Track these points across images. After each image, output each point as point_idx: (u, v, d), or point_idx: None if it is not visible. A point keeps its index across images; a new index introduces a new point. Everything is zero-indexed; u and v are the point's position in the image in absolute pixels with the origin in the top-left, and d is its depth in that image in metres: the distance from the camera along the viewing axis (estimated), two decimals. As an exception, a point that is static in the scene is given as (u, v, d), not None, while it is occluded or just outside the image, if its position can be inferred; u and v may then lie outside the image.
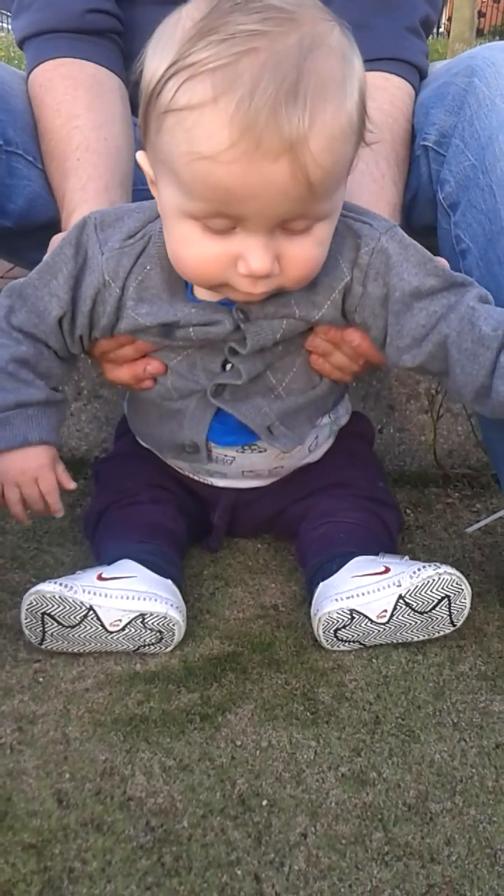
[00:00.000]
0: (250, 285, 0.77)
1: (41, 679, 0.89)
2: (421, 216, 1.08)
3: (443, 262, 0.89)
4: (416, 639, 0.95)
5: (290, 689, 0.89)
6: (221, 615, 1.01)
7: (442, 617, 0.92)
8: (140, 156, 0.80)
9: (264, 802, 0.76)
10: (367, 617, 0.91)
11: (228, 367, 0.91)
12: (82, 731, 0.83)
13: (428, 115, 1.03)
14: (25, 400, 0.90)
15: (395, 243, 0.85)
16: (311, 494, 1.08)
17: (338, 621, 0.91)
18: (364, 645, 0.94)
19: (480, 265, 0.97)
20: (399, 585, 0.90)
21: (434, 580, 0.90)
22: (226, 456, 1.00)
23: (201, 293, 0.86)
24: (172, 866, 0.70)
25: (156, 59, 0.71)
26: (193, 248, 0.76)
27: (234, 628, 0.98)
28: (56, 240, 0.93)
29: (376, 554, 0.97)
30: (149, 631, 0.91)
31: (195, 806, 0.76)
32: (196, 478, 1.08)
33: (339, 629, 0.92)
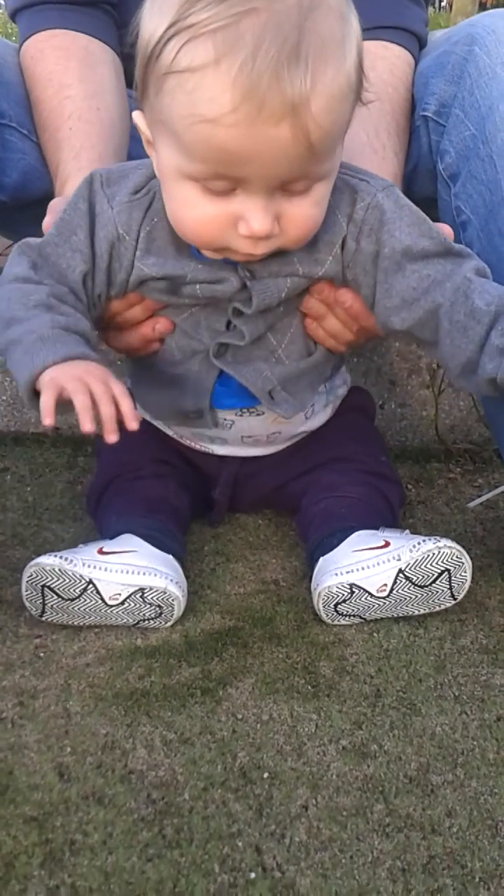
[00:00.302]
0: (251, 246, 0.77)
1: (42, 654, 0.89)
2: (421, 187, 1.07)
3: (446, 228, 0.88)
4: (416, 612, 0.94)
5: (290, 662, 0.89)
6: (222, 590, 1.01)
7: (442, 590, 0.92)
8: (137, 116, 0.79)
9: (265, 775, 0.76)
10: (366, 591, 0.90)
11: (232, 327, 0.91)
12: (83, 706, 0.83)
13: (427, 85, 1.02)
14: (73, 325, 0.81)
15: (391, 201, 0.84)
16: (312, 469, 1.07)
17: (338, 595, 0.91)
18: (364, 619, 0.94)
19: (481, 236, 0.96)
20: (399, 559, 0.90)
21: (434, 554, 0.89)
22: (225, 419, 1.00)
23: (205, 251, 0.86)
24: (173, 838, 0.70)
25: (154, 20, 0.70)
26: (193, 210, 0.76)
27: (235, 603, 0.98)
28: (56, 203, 0.92)
29: (375, 527, 0.97)
30: (148, 605, 0.91)
31: (196, 779, 0.76)
32: (197, 446, 1.07)
33: (339, 603, 0.91)
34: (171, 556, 0.95)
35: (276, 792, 0.75)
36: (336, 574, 0.91)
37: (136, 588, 0.90)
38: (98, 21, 1.08)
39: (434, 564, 0.90)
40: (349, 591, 0.90)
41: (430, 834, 0.71)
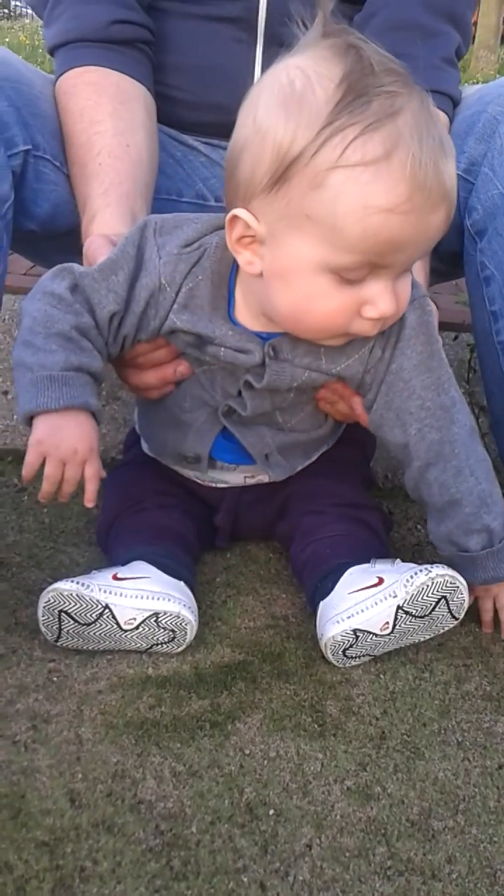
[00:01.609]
0: (371, 327, 0.82)
1: (55, 678, 0.91)
2: (448, 243, 1.10)
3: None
4: (422, 638, 0.96)
5: (298, 700, 0.91)
6: (233, 623, 1.03)
7: (443, 615, 0.94)
8: (243, 213, 0.80)
9: (271, 812, 0.78)
10: (370, 633, 0.92)
11: (241, 395, 0.95)
12: (95, 733, 0.85)
13: (458, 143, 1.05)
14: (86, 365, 0.87)
15: (415, 316, 0.90)
16: (293, 505, 1.10)
17: (344, 643, 0.93)
18: (374, 656, 0.96)
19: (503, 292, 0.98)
20: (395, 596, 0.91)
21: (428, 585, 0.91)
22: (226, 465, 1.05)
23: (242, 317, 0.89)
24: (181, 870, 0.72)
25: (292, 122, 0.74)
26: (327, 302, 0.80)
27: (245, 637, 1.00)
28: (93, 247, 0.93)
29: (365, 560, 0.99)
30: (162, 630, 0.93)
31: (204, 812, 0.77)
32: (201, 482, 1.10)
33: (347, 649, 0.93)
34: (181, 583, 0.97)
35: (281, 829, 0.77)
36: (338, 622, 0.92)
37: (151, 613, 0.92)
38: (132, 60, 1.10)
39: (430, 595, 0.92)
40: (353, 636, 0.92)
41: (430, 879, 0.73)
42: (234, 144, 0.79)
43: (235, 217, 0.80)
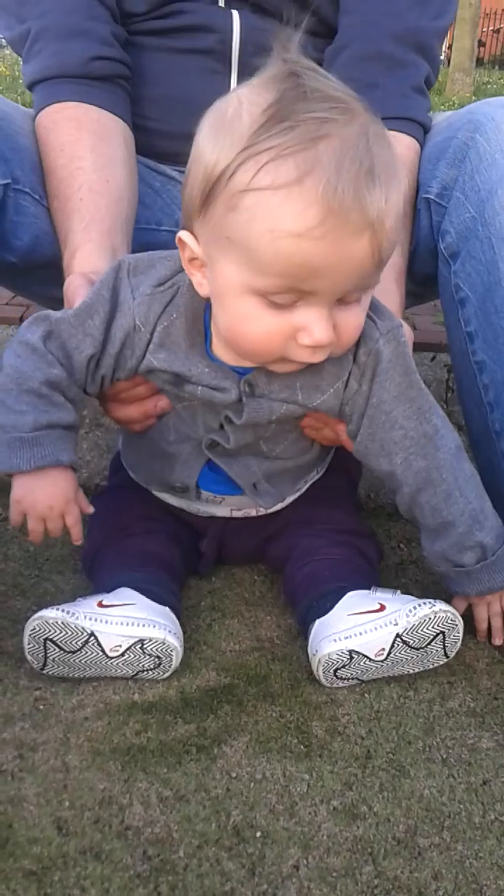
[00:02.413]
0: (310, 355, 0.81)
1: (41, 707, 0.92)
2: (422, 266, 1.12)
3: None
4: (410, 671, 0.97)
5: (284, 722, 0.92)
6: (218, 647, 1.03)
7: (436, 651, 0.96)
8: (185, 235, 0.82)
9: (258, 834, 0.79)
10: (365, 656, 0.93)
11: (223, 428, 0.96)
12: (82, 760, 0.85)
13: (430, 169, 1.07)
14: (56, 421, 0.90)
15: (391, 349, 0.90)
16: (289, 530, 1.11)
17: (337, 662, 0.94)
18: (362, 680, 0.97)
19: (479, 314, 1.00)
20: (396, 624, 0.93)
21: (430, 618, 0.93)
22: (214, 497, 1.06)
23: (219, 351, 0.90)
24: (169, 895, 0.72)
25: (219, 144, 0.75)
26: (256, 324, 0.80)
27: (231, 660, 1.01)
28: (72, 287, 0.94)
29: (362, 586, 1.00)
30: (147, 656, 0.94)
31: (191, 836, 0.78)
32: (187, 509, 1.11)
33: (339, 669, 0.94)
34: (167, 608, 0.98)
35: (268, 851, 0.77)
36: (335, 640, 0.93)
37: (136, 639, 0.93)
38: (112, 95, 1.12)
39: (430, 628, 0.93)
40: (349, 657, 0.93)
41: (417, 897, 0.74)
42: (186, 169, 0.81)
43: (181, 239, 0.83)
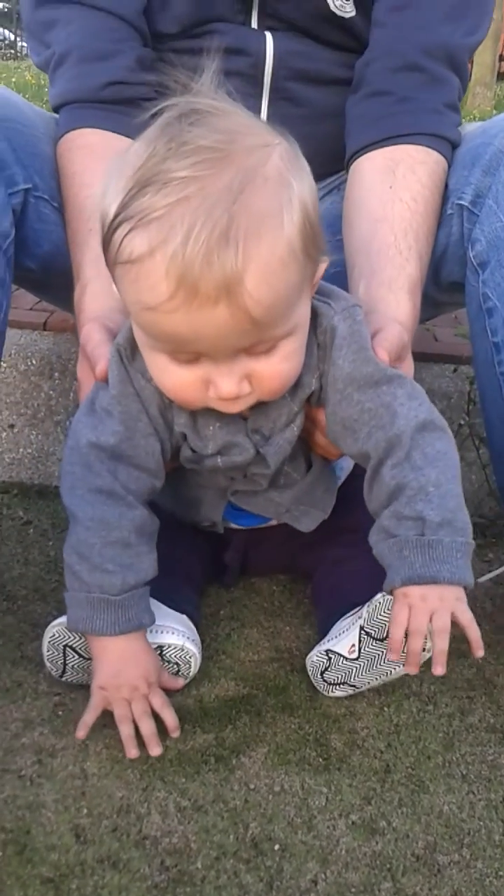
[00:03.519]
0: (226, 406, 0.80)
1: (61, 713, 0.92)
2: (449, 273, 1.11)
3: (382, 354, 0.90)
4: (396, 671, 0.93)
5: (303, 734, 0.91)
6: (237, 656, 1.03)
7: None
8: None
9: (276, 847, 0.78)
10: (341, 655, 0.93)
11: (250, 475, 0.95)
12: (100, 767, 0.85)
13: (464, 175, 1.07)
14: (143, 579, 0.89)
15: (346, 325, 0.86)
16: (321, 540, 1.10)
17: (319, 664, 0.94)
18: (356, 687, 0.95)
19: (507, 324, 1.00)
20: (360, 617, 0.92)
21: (380, 603, 0.91)
22: (243, 528, 1.07)
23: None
24: (186, 907, 0.72)
25: (108, 195, 0.74)
26: (168, 377, 0.80)
27: (250, 670, 1.00)
28: (91, 343, 0.92)
29: None
30: (166, 663, 0.94)
31: (209, 847, 0.77)
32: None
33: (324, 672, 0.94)
34: (184, 616, 0.98)
35: (286, 865, 0.76)
36: (320, 645, 0.95)
37: (156, 646, 0.93)
38: (130, 119, 1.10)
39: (383, 614, 0.91)
40: (327, 657, 0.94)
41: (436, 915, 0.73)
42: None
43: None
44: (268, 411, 0.88)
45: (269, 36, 1.13)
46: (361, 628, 0.92)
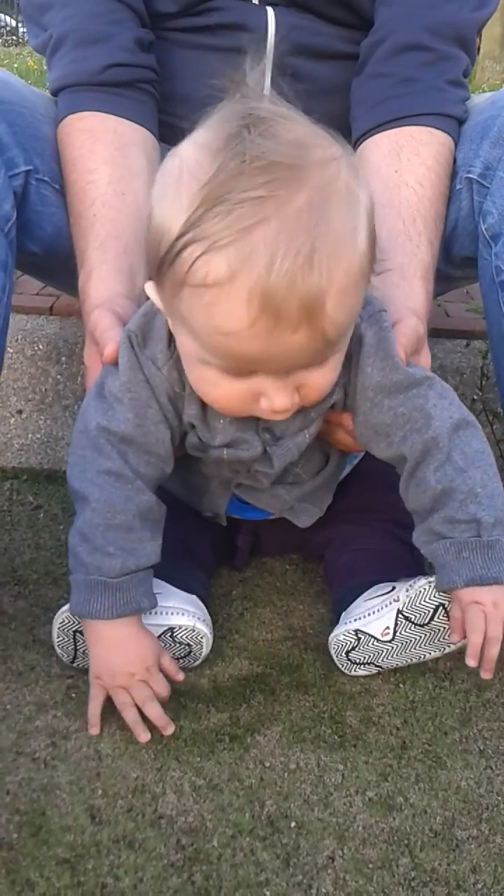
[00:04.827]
0: (273, 415, 0.79)
1: (74, 695, 0.91)
2: (461, 248, 1.10)
3: (424, 360, 0.92)
4: (428, 655, 0.94)
5: (317, 711, 0.91)
6: (250, 636, 1.02)
7: (443, 627, 0.92)
8: (150, 289, 0.78)
9: (292, 824, 0.78)
10: (372, 636, 0.92)
11: (253, 471, 0.94)
12: (114, 748, 0.85)
13: (473, 148, 1.05)
14: (144, 564, 0.87)
15: (372, 332, 0.85)
16: (331, 519, 1.09)
17: (346, 643, 0.93)
18: (381, 667, 0.95)
19: (521, 297, 0.98)
20: (397, 600, 0.91)
21: (425, 589, 0.90)
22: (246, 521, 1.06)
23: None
24: (203, 885, 0.71)
25: (164, 215, 0.71)
26: (216, 389, 0.78)
27: (263, 649, 1.00)
28: (100, 328, 0.91)
29: (400, 578, 0.98)
30: (178, 644, 0.93)
31: (225, 826, 0.77)
32: None
33: (350, 651, 0.93)
34: (194, 596, 0.97)
35: (303, 842, 0.76)
36: (345, 623, 0.94)
37: (166, 628, 0.92)
38: (132, 102, 1.08)
39: (428, 600, 0.91)
40: (355, 637, 0.92)
41: (455, 889, 0.72)
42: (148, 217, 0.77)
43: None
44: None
45: (270, 11, 1.11)
46: (399, 612, 0.91)
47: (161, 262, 0.72)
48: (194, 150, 0.71)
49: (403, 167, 1.03)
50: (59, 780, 0.81)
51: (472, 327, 1.52)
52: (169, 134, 1.12)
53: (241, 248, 0.66)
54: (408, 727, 0.89)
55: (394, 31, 1.08)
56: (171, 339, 0.84)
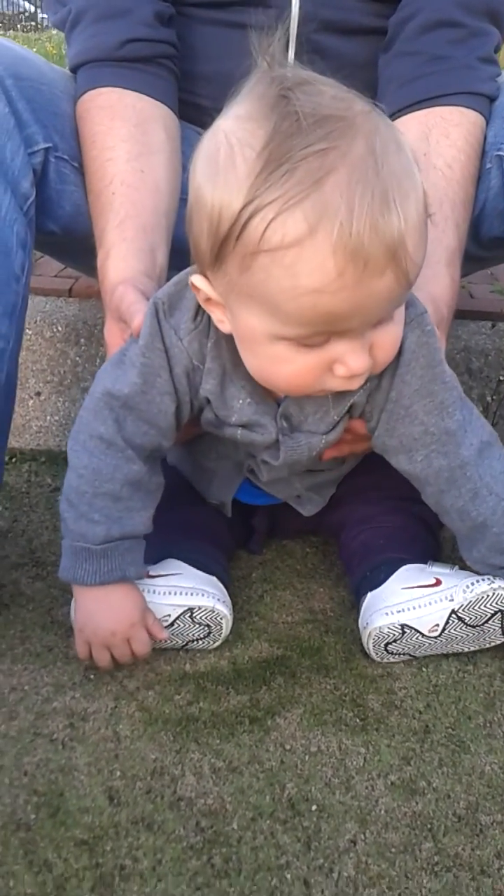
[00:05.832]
0: (347, 384, 0.77)
1: (92, 676, 0.91)
2: (490, 228, 1.07)
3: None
4: (466, 650, 0.94)
5: (339, 694, 0.89)
6: (270, 618, 1.01)
7: (494, 629, 0.92)
8: (198, 280, 0.76)
9: (314, 808, 0.76)
10: (418, 631, 0.90)
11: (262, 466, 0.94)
12: (133, 730, 0.84)
13: (503, 125, 1.02)
14: (129, 532, 0.88)
15: (414, 337, 0.83)
16: (346, 498, 1.07)
17: (389, 636, 0.91)
18: (413, 656, 0.94)
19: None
20: (451, 600, 0.90)
21: (488, 595, 0.89)
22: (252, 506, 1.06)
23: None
24: (222, 868, 0.70)
25: (218, 194, 0.69)
26: (288, 366, 0.75)
27: (283, 632, 0.99)
28: (125, 302, 0.90)
29: (419, 555, 0.97)
30: (197, 625, 0.92)
31: (245, 808, 0.76)
32: None
33: (390, 643, 0.92)
34: (214, 577, 0.96)
35: (324, 825, 0.75)
36: (387, 614, 0.91)
37: (185, 608, 0.91)
38: (151, 77, 1.06)
39: (488, 605, 0.90)
40: (400, 631, 0.90)
41: (479, 875, 0.71)
42: (188, 200, 0.75)
43: (194, 284, 0.77)
44: (302, 402, 0.86)
45: None
46: (454, 612, 0.90)
47: (223, 241, 0.70)
48: (237, 123, 0.69)
49: (432, 150, 1.01)
50: (77, 761, 0.80)
51: (498, 308, 1.50)
52: (189, 111, 1.10)
53: (315, 201, 0.65)
54: (431, 711, 0.87)
55: (423, 6, 1.04)
56: (198, 311, 0.82)
